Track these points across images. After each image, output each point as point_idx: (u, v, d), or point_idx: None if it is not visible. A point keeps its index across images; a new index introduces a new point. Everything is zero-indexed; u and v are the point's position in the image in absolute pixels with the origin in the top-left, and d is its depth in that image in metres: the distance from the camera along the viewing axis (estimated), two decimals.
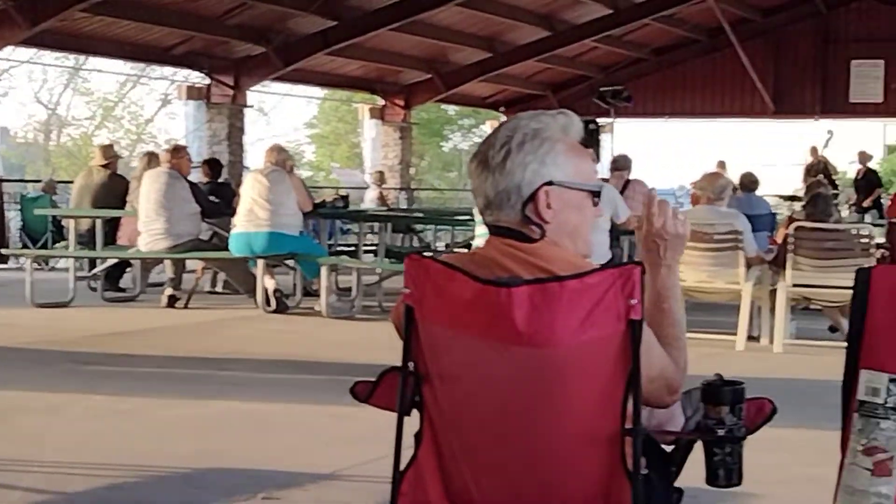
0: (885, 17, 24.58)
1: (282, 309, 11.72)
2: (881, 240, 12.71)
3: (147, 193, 11.97)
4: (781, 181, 26.98)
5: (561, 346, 2.53)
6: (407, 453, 2.75)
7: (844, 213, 21.37)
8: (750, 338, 10.17)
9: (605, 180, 12.09)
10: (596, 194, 2.78)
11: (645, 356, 2.56)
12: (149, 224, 11.95)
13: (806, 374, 8.71)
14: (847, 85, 24.82)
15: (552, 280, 2.56)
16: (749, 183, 12.99)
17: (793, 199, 19.74)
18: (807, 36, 25.23)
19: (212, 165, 14.76)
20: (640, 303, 2.56)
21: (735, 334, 10.01)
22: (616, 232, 10.50)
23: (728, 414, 2.77)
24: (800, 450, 6.15)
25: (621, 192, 11.79)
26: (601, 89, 23.00)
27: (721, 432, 2.76)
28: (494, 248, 2.72)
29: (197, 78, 20.99)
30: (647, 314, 2.64)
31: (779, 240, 10.65)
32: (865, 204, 21.96)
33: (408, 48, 21.93)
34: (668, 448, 2.92)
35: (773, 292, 10.13)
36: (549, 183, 2.69)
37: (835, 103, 25.03)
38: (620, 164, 12.79)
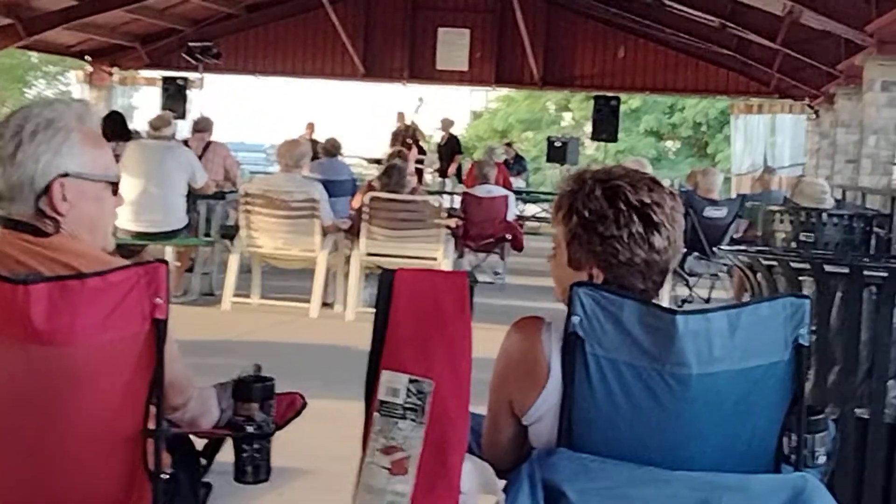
0: None
1: None
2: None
3: None
4: (374, 143, 27.47)
5: (81, 344, 2.48)
6: None
7: (428, 178, 22.11)
8: (325, 304, 10.33)
9: (186, 142, 11.93)
10: (115, 184, 2.73)
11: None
12: None
13: None
14: (434, 52, 25.51)
15: (73, 277, 2.50)
16: (332, 148, 13.12)
17: (378, 162, 20.14)
18: (396, 1, 25.75)
19: None
20: (166, 302, 2.54)
21: (310, 301, 10.14)
22: (194, 196, 10.40)
23: (258, 411, 2.79)
24: (361, 423, 6.27)
25: (202, 155, 11.69)
26: (189, 44, 22.73)
27: (250, 429, 2.77)
28: (8, 243, 2.62)
29: None
30: None
31: (356, 205, 10.84)
32: (451, 171, 22.78)
33: None
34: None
35: (349, 260, 10.32)
36: (65, 174, 2.62)
37: (423, 69, 25.65)
38: (201, 126, 12.62)
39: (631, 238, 2.66)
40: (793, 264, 4.10)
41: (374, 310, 2.63)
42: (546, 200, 21.27)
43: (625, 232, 2.66)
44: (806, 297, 2.64)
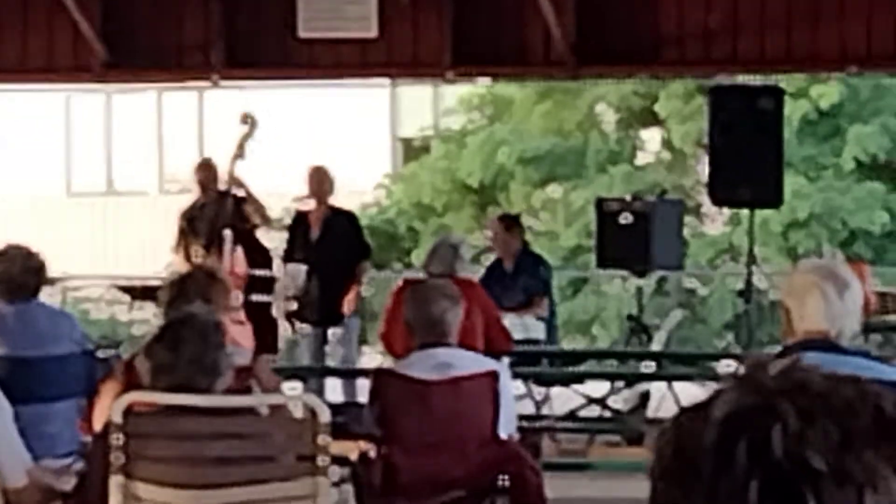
0: None
1: None
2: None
3: None
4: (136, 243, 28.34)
5: None
6: None
7: (287, 325, 22.52)
8: None
9: None
10: None
11: None
12: None
13: None
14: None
15: None
16: (24, 277, 13.44)
17: (151, 295, 20.59)
18: None
19: None
20: None
21: None
22: None
23: None
24: None
25: None
26: None
27: None
28: None
29: None
30: None
31: (98, 424, 10.89)
32: (346, 309, 23.33)
33: None
34: None
35: None
36: None
37: (265, 44, 26.59)
38: None
39: None
40: None
41: None
42: (608, 374, 21.31)
43: None
44: None
